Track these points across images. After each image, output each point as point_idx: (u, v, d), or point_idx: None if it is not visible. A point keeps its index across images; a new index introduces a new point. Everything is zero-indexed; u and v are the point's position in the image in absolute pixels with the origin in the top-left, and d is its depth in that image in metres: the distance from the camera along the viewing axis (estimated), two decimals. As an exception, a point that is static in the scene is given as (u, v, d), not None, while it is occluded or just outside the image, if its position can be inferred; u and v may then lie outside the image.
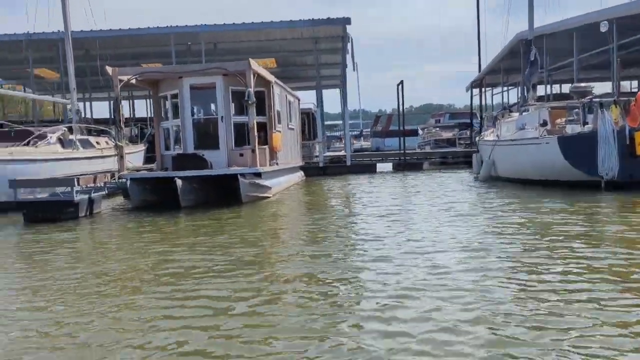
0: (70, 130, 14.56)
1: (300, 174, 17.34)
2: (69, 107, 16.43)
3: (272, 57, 25.14)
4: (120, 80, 11.36)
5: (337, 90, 25.56)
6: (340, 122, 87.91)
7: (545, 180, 11.14)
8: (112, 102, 11.46)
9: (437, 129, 27.91)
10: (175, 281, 4.63)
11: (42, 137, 12.87)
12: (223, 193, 11.57)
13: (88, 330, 3.45)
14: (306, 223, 8.18)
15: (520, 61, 22.03)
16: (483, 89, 22.32)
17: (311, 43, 21.93)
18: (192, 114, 12.36)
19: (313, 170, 19.92)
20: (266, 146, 12.42)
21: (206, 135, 12.30)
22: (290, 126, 15.28)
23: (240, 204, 10.57)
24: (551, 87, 27.95)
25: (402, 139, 21.22)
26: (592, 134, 10.04)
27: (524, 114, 13.01)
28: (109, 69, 11.20)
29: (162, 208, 10.45)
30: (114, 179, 11.43)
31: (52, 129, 13.65)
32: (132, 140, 19.48)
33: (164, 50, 20.65)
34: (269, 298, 4.00)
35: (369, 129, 52.54)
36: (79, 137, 14.40)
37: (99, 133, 16.50)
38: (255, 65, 11.38)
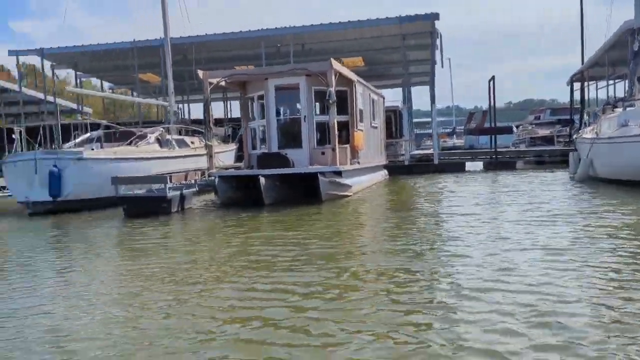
0: (168, 130, 15.62)
1: (384, 172, 17.26)
2: (168, 109, 17.60)
3: (360, 55, 25.21)
4: (210, 83, 12.00)
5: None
6: (430, 120, 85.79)
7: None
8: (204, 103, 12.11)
9: (534, 126, 26.43)
10: (254, 271, 4.91)
11: (142, 137, 13.93)
12: (305, 191, 11.84)
13: (169, 314, 3.72)
14: (383, 221, 8.21)
15: (627, 53, 20.33)
16: (586, 83, 20.76)
17: (399, 40, 21.73)
18: (277, 114, 12.76)
19: (398, 169, 19.75)
20: (347, 145, 12.51)
21: (290, 134, 12.65)
22: (373, 124, 15.26)
23: (320, 202, 10.78)
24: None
25: (493, 137, 20.38)
26: None
27: (627, 109, 11.99)
28: (200, 73, 11.90)
29: (247, 204, 10.94)
30: (204, 177, 12.10)
31: (151, 129, 14.72)
32: (225, 140, 20.43)
33: (255, 53, 21.48)
34: (343, 290, 4.06)
35: (462, 127, 51.07)
36: (175, 137, 15.39)
37: (194, 133, 17.50)
38: (337, 65, 11.51)
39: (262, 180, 10.82)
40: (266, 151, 12.23)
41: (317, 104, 12.76)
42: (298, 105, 12.83)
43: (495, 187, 12.83)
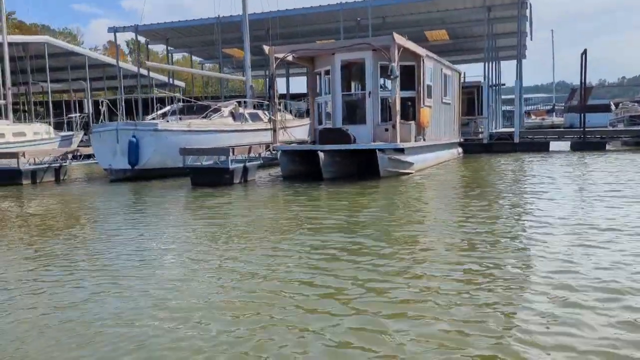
0: (244, 104, 16.21)
1: (457, 150, 16.75)
2: (245, 83, 18.21)
3: (444, 28, 24.32)
4: (277, 58, 12.27)
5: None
6: (532, 95, 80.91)
7: None
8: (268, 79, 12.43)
9: (636, 104, 24.16)
10: (303, 233, 5.45)
11: (216, 110, 14.60)
12: (365, 167, 11.87)
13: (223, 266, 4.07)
14: (439, 201, 8.06)
15: None
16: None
17: (484, 12, 20.68)
18: (345, 90, 12.80)
19: (475, 147, 19.07)
20: (412, 122, 12.30)
21: (354, 110, 12.67)
22: (445, 101, 14.81)
23: (379, 178, 10.77)
24: None
25: (582, 115, 18.96)
26: None
27: None
28: (266, 48, 12.19)
29: (307, 178, 11.23)
30: (269, 150, 12.50)
31: (225, 103, 15.36)
32: (301, 115, 20.80)
33: (335, 27, 21.47)
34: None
35: (562, 104, 47.69)
36: (250, 111, 15.93)
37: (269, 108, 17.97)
38: (401, 39, 11.27)
39: (321, 155, 11.00)
40: (329, 126, 12.36)
41: (384, 79, 12.63)
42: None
43: (572, 169, 12.01)
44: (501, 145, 19.06)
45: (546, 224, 5.58)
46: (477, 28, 23.23)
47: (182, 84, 32.16)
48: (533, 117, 51.51)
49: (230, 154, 10.61)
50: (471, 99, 23.18)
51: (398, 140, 11.31)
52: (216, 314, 3.23)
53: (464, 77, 28.01)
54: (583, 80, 19.14)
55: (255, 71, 28.83)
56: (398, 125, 11.30)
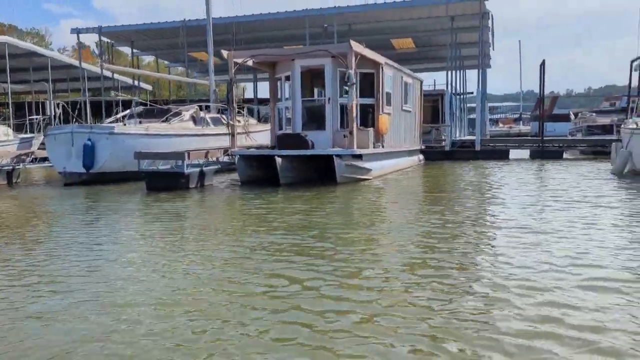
0: (206, 108, 16.12)
1: (418, 157, 16.98)
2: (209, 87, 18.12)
3: (410, 37, 24.68)
4: (236, 63, 12.25)
5: (496, 71, 24.05)
6: (500, 104, 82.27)
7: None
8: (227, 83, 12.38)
9: (593, 114, 24.90)
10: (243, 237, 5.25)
11: (177, 114, 14.47)
12: (325, 173, 11.93)
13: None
14: (392, 205, 8.25)
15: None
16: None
17: (448, 22, 21.09)
18: (303, 95, 12.85)
19: (438, 155, 19.36)
20: (370, 128, 12.43)
21: (314, 116, 12.73)
22: (405, 108, 15.01)
23: (336, 184, 10.85)
24: None
25: (541, 123, 19.47)
26: None
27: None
28: (224, 52, 12.17)
29: (264, 183, 11.23)
30: (227, 155, 12.45)
31: (187, 107, 15.25)
32: (267, 119, 20.77)
33: (301, 33, 21.56)
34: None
35: (529, 112, 48.78)
36: (212, 115, 15.85)
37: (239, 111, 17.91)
38: (358, 46, 11.39)
39: (279, 160, 11.02)
40: (288, 132, 12.39)
41: (342, 86, 12.73)
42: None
43: (519, 176, 12.34)
44: (463, 152, 19.40)
45: (492, 227, 5.82)
46: (442, 37, 23.66)
47: (149, 87, 31.73)
48: (501, 125, 52.42)
49: (186, 158, 10.53)
50: (436, 107, 23.56)
51: (355, 146, 11.40)
52: (152, 310, 3.28)
53: (435, 85, 28.53)
54: (542, 90, 19.65)
55: (223, 76, 28.76)
56: (355, 131, 11.40)
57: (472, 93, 34.85)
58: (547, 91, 21.33)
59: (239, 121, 17.04)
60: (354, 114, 11.35)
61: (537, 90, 21.03)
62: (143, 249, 5.12)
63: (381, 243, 5.26)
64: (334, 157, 11.00)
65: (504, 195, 8.98)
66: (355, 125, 11.39)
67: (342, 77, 12.25)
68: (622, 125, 14.08)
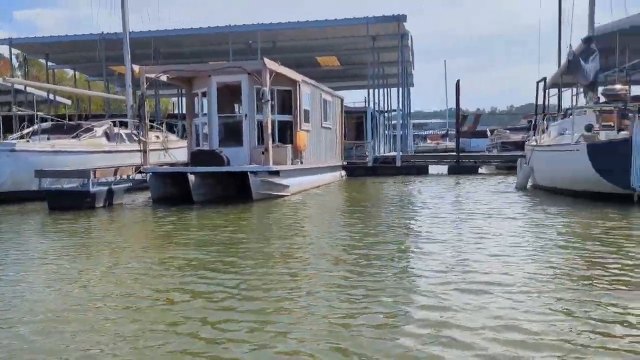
0: (122, 124, 15.53)
1: (340, 173, 17.18)
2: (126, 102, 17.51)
3: (335, 55, 25.14)
4: (148, 79, 11.92)
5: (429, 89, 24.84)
6: (429, 121, 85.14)
7: (578, 190, 10.13)
8: (138, 99, 11.98)
9: (507, 131, 26.37)
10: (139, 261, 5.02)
11: (88, 130, 13.84)
12: (243, 189, 11.77)
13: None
14: (305, 221, 8.36)
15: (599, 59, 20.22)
16: (547, 88, 20.63)
17: (370, 41, 21.66)
18: (221, 111, 12.68)
19: (360, 170, 19.69)
20: (288, 145, 12.44)
21: (232, 132, 12.59)
22: (325, 125, 15.18)
23: (252, 201, 10.73)
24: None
25: (457, 140, 20.33)
26: (625, 141, 8.95)
27: (566, 118, 11.90)
28: (136, 68, 11.82)
29: (178, 201, 10.91)
30: (139, 173, 12.03)
31: (99, 122, 14.63)
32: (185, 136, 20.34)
33: (225, 49, 21.39)
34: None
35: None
36: (127, 131, 15.29)
37: (150, 128, 17.37)
38: (272, 64, 11.42)
39: (191, 177, 10.78)
40: (201, 148, 12.18)
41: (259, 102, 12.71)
42: (239, 104, 12.79)
43: (433, 190, 12.77)
44: (384, 168, 19.85)
45: (399, 238, 6.17)
46: (365, 56, 24.24)
47: (67, 101, 30.30)
48: (429, 141, 54.28)
49: (92, 176, 10.05)
50: (360, 124, 24.00)
51: (271, 163, 11.35)
52: (40, 326, 3.30)
53: (367, 102, 29.07)
54: (457, 108, 20.55)
55: (148, 90, 27.95)
56: (270, 148, 11.36)
57: (395, 110, 35.99)
58: (472, 108, 22.46)
59: (157, 137, 16.59)
60: (269, 131, 11.32)
61: (464, 108, 21.99)
62: (34, 269, 5.02)
63: (291, 257, 5.40)
64: (248, 173, 10.89)
65: (414, 208, 9.29)
66: (270, 142, 11.35)
67: (258, 94, 12.22)
68: (526, 143, 14.95)
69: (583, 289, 3.92)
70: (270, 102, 11.21)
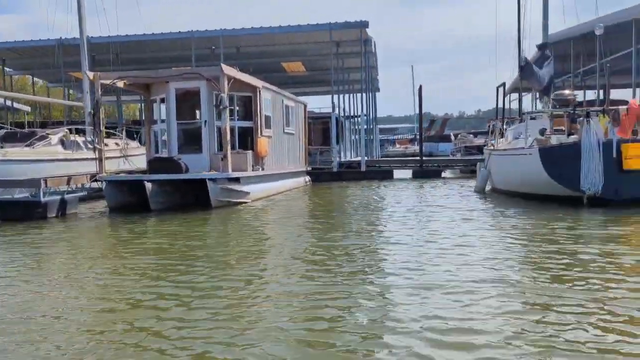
0: (79, 131, 15.18)
1: (304, 179, 17.15)
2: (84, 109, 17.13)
3: (300, 60, 25.16)
4: (103, 85, 11.68)
5: (401, 94, 25.01)
6: (399, 125, 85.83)
7: (531, 193, 10.34)
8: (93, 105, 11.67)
9: (470, 135, 26.81)
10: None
11: (43, 138, 13.48)
12: (204, 197, 11.62)
13: None
14: (264, 227, 8.41)
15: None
16: (507, 93, 21.09)
17: (334, 46, 21.75)
18: (180, 118, 12.50)
19: (326, 176, 19.70)
20: (249, 151, 12.35)
21: (191, 138, 12.43)
22: (287, 131, 15.14)
23: (211, 209, 10.60)
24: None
25: (421, 145, 20.56)
26: (575, 145, 9.19)
27: (521, 123, 12.15)
28: (90, 74, 11.57)
29: (136, 209, 10.69)
30: (94, 181, 11.76)
31: (55, 130, 14.27)
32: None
33: (187, 55, 21.16)
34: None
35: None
36: (84, 138, 14.95)
37: (109, 135, 17.03)
38: (230, 70, 11.34)
39: (148, 185, 10.58)
40: (158, 155, 11.99)
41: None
42: (198, 111, 12.64)
43: (395, 195, 12.87)
44: (350, 173, 19.90)
45: (355, 238, 6.39)
46: (330, 61, 24.34)
47: (27, 108, 29.48)
48: (398, 145, 54.79)
49: (43, 185, 9.76)
50: (326, 129, 24.03)
51: (230, 169, 11.24)
52: None
53: (338, 108, 29.09)
54: (420, 112, 20.79)
55: (110, 96, 27.41)
56: (229, 154, 11.25)
57: (366, 115, 36.23)
58: (442, 113, 22.64)
59: (117, 144, 16.28)
60: (228, 137, 11.21)
61: (434, 112, 22.24)
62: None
63: (245, 263, 5.38)
64: (207, 180, 10.75)
65: (374, 213, 9.37)
66: (229, 149, 11.25)
67: (217, 100, 12.10)
68: (485, 147, 15.21)
69: (527, 286, 4.09)
70: (228, 108, 11.11)
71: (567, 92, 11.54)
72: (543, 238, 6.25)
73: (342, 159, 21.84)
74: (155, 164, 11.31)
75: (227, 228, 8.43)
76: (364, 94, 22.32)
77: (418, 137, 53.62)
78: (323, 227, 7.86)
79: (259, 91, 12.77)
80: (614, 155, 8.93)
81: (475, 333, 3.10)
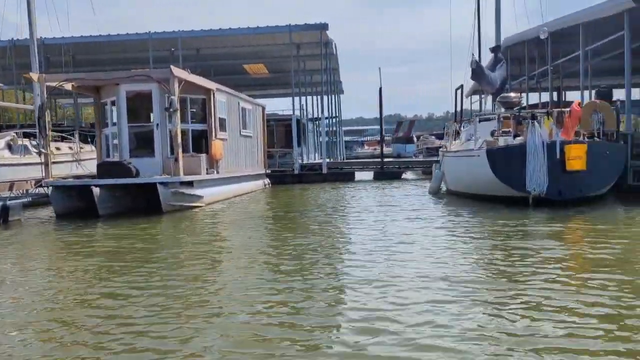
0: (28, 135, 14.71)
1: (264, 181, 17.03)
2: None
3: (262, 62, 25.00)
4: (50, 87, 11.34)
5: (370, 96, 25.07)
6: (369, 127, 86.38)
7: (481, 194, 10.49)
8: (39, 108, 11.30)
9: (432, 136, 27.16)
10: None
11: (-12, 142, 13.01)
12: (154, 201, 11.39)
13: None
14: (214, 229, 8.41)
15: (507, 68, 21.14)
16: (468, 95, 21.47)
17: (295, 49, 21.70)
18: (130, 121, 12.24)
19: (287, 178, 19.63)
20: (203, 154, 12.18)
21: (143, 142, 12.18)
22: (244, 134, 15.01)
23: (162, 213, 10.40)
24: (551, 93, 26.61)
25: (381, 146, 20.71)
26: (520, 147, 9.36)
27: (472, 124, 12.32)
28: (35, 76, 11.22)
29: (84, 215, 10.41)
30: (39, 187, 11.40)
31: (1, 134, 13.79)
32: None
33: (145, 56, 20.78)
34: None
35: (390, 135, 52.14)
36: (33, 142, 14.48)
37: (63, 139, 16.58)
38: (181, 72, 11.17)
39: (96, 190, 10.31)
40: (108, 159, 11.72)
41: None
42: (151, 114, 12.40)
43: (353, 196, 12.89)
44: (311, 176, 19.86)
45: (304, 239, 6.38)
46: (291, 63, 24.27)
47: (-20, 111, 28.44)
48: (367, 147, 55.21)
49: (-18, 191, 9.40)
50: (289, 131, 23.95)
51: (181, 173, 11.06)
52: None
53: (302, 110, 28.99)
54: (380, 114, 20.92)
55: (69, 99, 26.70)
56: (181, 158, 11.07)
57: (336, 117, 36.67)
58: (411, 114, 22.82)
59: (70, 148, 15.84)
60: (179, 141, 11.03)
61: (402, 114, 22.38)
62: None
63: (189, 266, 5.44)
64: (157, 185, 10.54)
65: (327, 214, 9.39)
66: (180, 152, 11.06)
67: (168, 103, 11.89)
68: (441, 148, 15.40)
69: (470, 282, 4.25)
70: (178, 110, 10.92)
71: (512, 94, 11.76)
72: (486, 237, 6.38)
73: (305, 162, 21.80)
74: (104, 168, 11.03)
75: (174, 233, 8.33)
76: (325, 97, 22.26)
77: (386, 138, 54.43)
78: (273, 227, 8.09)
79: (213, 93, 12.62)
80: (558, 156, 9.14)
81: (407, 325, 3.32)
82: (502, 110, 10.99)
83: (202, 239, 7.47)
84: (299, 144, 23.72)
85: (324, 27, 19.50)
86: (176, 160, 11.03)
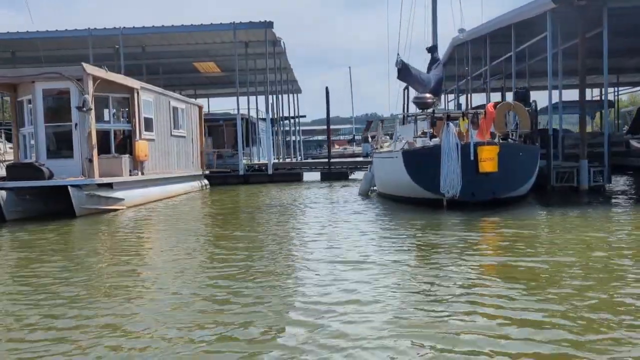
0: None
1: (200, 183, 16.68)
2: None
3: (212, 61, 24.59)
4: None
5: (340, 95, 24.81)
6: (342, 126, 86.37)
7: (401, 196, 10.39)
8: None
9: (387, 136, 27.06)
10: None
11: None
12: (71, 204, 10.96)
13: None
14: (127, 235, 8.08)
15: (456, 67, 21.21)
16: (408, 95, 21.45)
17: (243, 47, 21.40)
18: (49, 121, 11.77)
19: (232, 179, 19.32)
20: (125, 155, 11.80)
21: (62, 143, 11.73)
22: (175, 134, 14.64)
23: (74, 217, 9.99)
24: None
25: (329, 145, 20.58)
26: (434, 148, 9.27)
27: (409, 124, 12.21)
28: (-63, 73, 10.68)
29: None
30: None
31: None
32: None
33: (86, 54, 20.17)
34: None
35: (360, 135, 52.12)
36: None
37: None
38: (96, 70, 10.77)
39: (3, 194, 9.85)
40: (18, 161, 11.26)
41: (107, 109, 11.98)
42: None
43: (289, 197, 12.67)
44: (257, 176, 19.59)
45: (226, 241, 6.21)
46: (242, 62, 23.91)
47: None
48: (337, 146, 55.17)
49: None
50: (235, 132, 23.57)
51: (96, 175, 10.67)
52: None
53: (278, 110, 28.60)
54: (327, 114, 20.77)
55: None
56: (95, 159, 10.68)
57: (304, 116, 36.63)
58: (387, 114, 22.43)
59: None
60: (94, 141, 10.64)
61: (380, 113, 22.11)
62: None
63: (94, 272, 5.28)
64: (69, 187, 10.12)
65: (256, 214, 9.23)
66: (95, 153, 10.67)
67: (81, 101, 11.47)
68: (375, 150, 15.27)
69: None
70: (92, 110, 10.52)
71: (427, 95, 11.69)
72: (392, 240, 6.33)
73: (256, 162, 21.52)
74: (14, 171, 10.56)
75: (81, 238, 7.96)
76: (279, 96, 22.00)
77: (357, 138, 54.33)
78: (197, 229, 8.04)
79: (137, 92, 12.23)
80: (472, 157, 9.06)
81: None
82: (418, 110, 10.89)
83: (104, 248, 6.92)
84: (247, 144, 23.38)
85: (269, 25, 19.24)
86: (90, 161, 10.63)
